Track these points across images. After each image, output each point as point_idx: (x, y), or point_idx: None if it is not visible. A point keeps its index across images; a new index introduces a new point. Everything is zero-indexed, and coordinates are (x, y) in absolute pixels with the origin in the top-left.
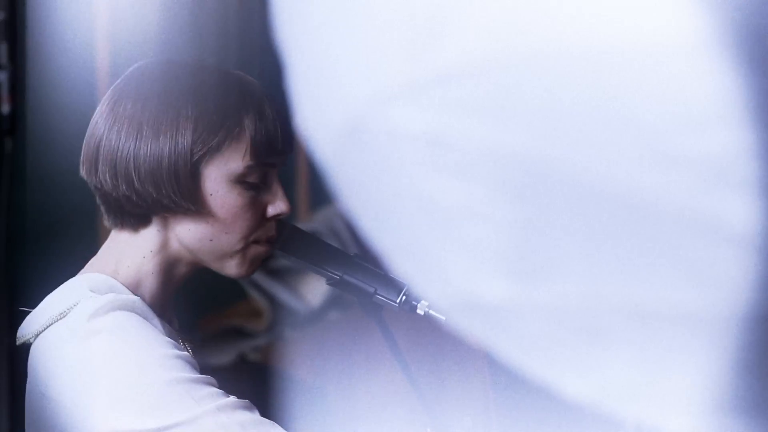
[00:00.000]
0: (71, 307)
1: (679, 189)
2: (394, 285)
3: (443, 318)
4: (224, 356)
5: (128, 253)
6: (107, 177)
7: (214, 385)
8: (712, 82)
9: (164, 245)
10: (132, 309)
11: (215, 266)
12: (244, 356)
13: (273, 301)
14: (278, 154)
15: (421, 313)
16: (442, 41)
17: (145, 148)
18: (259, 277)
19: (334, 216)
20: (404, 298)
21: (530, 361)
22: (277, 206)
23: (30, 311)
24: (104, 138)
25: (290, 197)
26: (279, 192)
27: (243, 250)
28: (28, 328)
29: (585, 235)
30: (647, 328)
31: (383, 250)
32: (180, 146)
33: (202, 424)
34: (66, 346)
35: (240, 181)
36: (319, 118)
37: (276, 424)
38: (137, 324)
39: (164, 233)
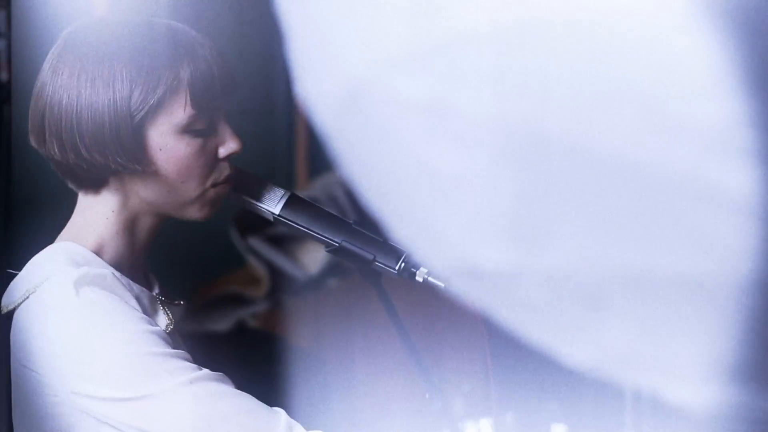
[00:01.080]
0: (46, 281)
1: (678, 157)
2: (393, 252)
3: (442, 285)
4: (222, 323)
5: (92, 215)
6: (55, 148)
7: (187, 360)
8: (710, 52)
9: (124, 203)
10: (103, 284)
11: (177, 214)
12: (243, 323)
13: (271, 268)
14: (220, 97)
15: (420, 280)
16: (443, 11)
17: (87, 115)
18: (258, 244)
19: (333, 184)
20: (403, 265)
21: (529, 327)
22: (227, 146)
23: (17, 273)
24: (47, 108)
25: (289, 165)
26: (227, 132)
27: (202, 195)
28: (9, 297)
29: (584, 202)
30: (647, 295)
31: (383, 217)
32: (120, 110)
33: (175, 395)
34: (41, 319)
35: (186, 131)
36: (320, 86)
37: (252, 397)
38: (108, 300)
39: (123, 192)
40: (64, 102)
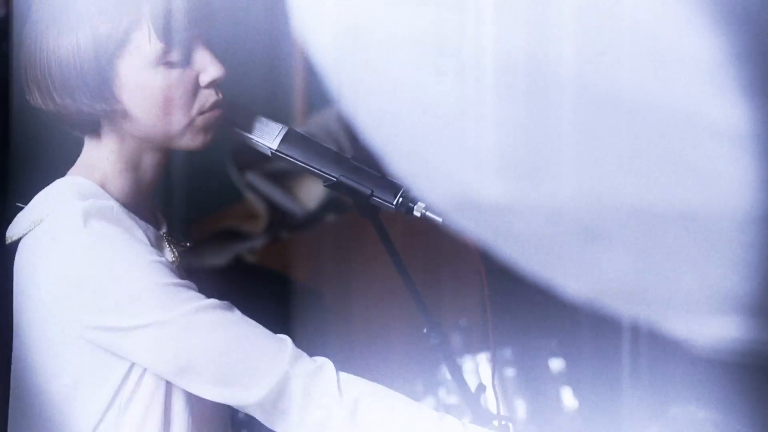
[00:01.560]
0: (53, 212)
1: (677, 93)
2: (390, 187)
3: (440, 219)
4: (220, 258)
5: (95, 156)
6: (38, 99)
7: (193, 289)
8: None
9: (121, 142)
10: (110, 216)
11: (174, 146)
12: (241, 258)
13: (269, 203)
14: (192, 27)
15: (418, 214)
16: None
17: (54, 61)
18: (256, 180)
19: (331, 119)
20: (401, 199)
21: (528, 260)
22: (208, 73)
23: (23, 206)
24: (27, 60)
25: (287, 100)
26: (207, 59)
27: (190, 125)
28: (15, 228)
29: (583, 137)
30: (645, 228)
31: (382, 152)
32: (84, 52)
33: (182, 323)
34: (47, 249)
35: (159, 63)
36: (318, 20)
37: (258, 325)
38: (115, 231)
39: (117, 132)
40: (37, 52)
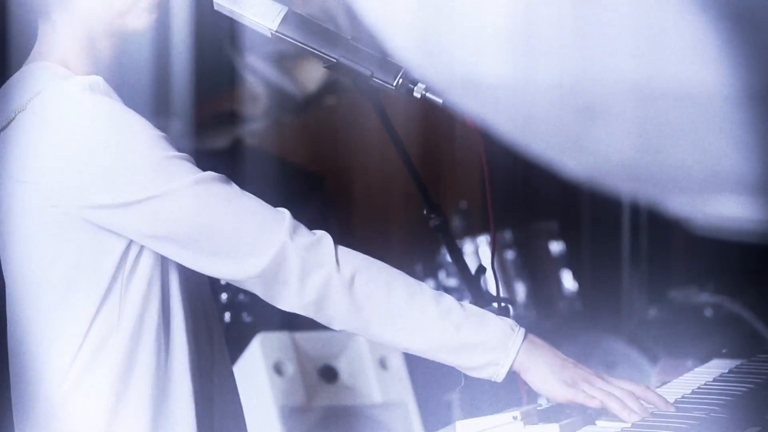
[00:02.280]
0: (36, 95)
1: None
2: (390, 68)
3: (440, 101)
4: (220, 140)
5: (53, 40)
6: None
7: (190, 162)
8: None
9: (70, 23)
10: (107, 90)
11: (121, 29)
12: (240, 140)
13: (269, 85)
14: None
15: (418, 95)
16: None
17: None
18: (255, 62)
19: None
20: (401, 80)
21: (529, 138)
22: None
23: None
24: None
25: None
26: None
27: (135, 4)
28: None
29: (584, 13)
30: (646, 106)
31: (381, 33)
32: None
33: (178, 196)
34: (48, 124)
35: None
36: None
37: (257, 198)
38: (113, 105)
39: (62, 14)
40: None
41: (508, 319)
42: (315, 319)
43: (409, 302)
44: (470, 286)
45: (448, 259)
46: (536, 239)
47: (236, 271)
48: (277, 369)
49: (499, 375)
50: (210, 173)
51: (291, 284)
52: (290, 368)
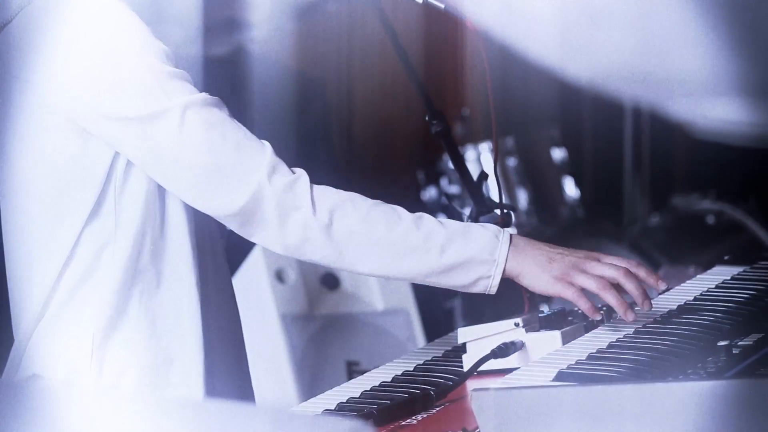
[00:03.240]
0: None
1: None
2: None
3: (442, 6)
4: (222, 47)
5: None
6: None
7: (187, 81)
8: None
9: None
10: None
11: None
12: (242, 47)
13: None
14: None
15: (420, 1)
16: None
17: None
18: None
19: None
20: None
21: (531, 42)
22: None
23: None
24: None
25: None
26: None
27: None
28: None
29: None
30: (647, 8)
31: None
32: None
33: (165, 119)
34: (45, 25)
35: None
36: None
37: (243, 128)
38: (116, 8)
39: None
40: None
41: (490, 226)
42: (298, 258)
43: (390, 232)
44: (472, 193)
45: (450, 165)
46: (538, 146)
47: (210, 207)
48: (279, 277)
49: (491, 287)
50: (202, 96)
51: (269, 227)
52: (292, 276)
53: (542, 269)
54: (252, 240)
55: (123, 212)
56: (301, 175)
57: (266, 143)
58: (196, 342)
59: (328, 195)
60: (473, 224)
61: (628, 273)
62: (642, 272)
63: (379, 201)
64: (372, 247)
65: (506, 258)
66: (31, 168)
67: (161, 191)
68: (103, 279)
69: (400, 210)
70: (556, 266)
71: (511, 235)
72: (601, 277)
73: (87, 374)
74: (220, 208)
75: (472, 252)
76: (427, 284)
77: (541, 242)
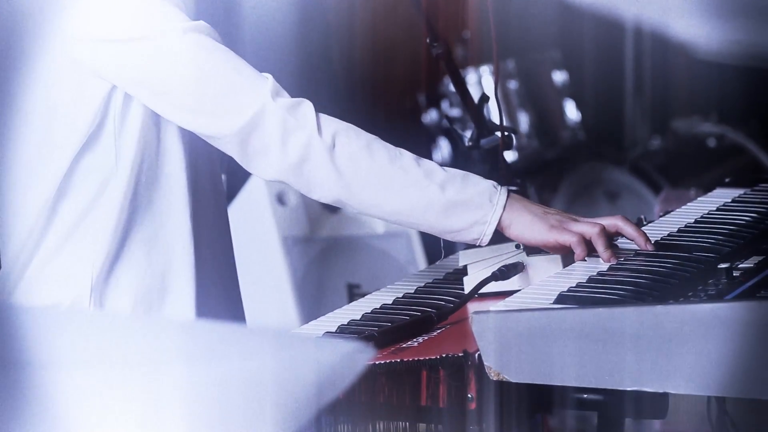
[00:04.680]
0: None
1: None
2: None
3: None
4: None
5: None
6: None
7: (180, 9)
8: None
9: None
10: None
11: None
12: None
13: None
14: None
15: None
16: None
17: None
18: None
19: None
20: None
21: None
22: None
23: None
24: None
25: None
26: None
27: None
28: None
29: None
30: None
31: None
32: None
33: (166, 41)
34: None
35: None
36: None
37: (241, 59)
38: None
39: None
40: None
41: (488, 180)
42: (293, 185)
43: (392, 163)
44: (473, 116)
45: (451, 88)
46: (539, 69)
47: (213, 128)
48: (280, 199)
49: (485, 234)
50: (201, 23)
51: (270, 147)
52: (293, 199)
53: (538, 219)
54: (249, 167)
55: (122, 148)
56: (304, 100)
57: (268, 75)
58: (188, 273)
59: (332, 121)
60: (472, 174)
61: (625, 219)
62: (629, 229)
63: (378, 137)
64: (372, 175)
65: (504, 207)
66: (28, 99)
67: (157, 125)
68: (104, 213)
69: (401, 149)
70: (552, 218)
71: (509, 190)
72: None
73: (87, 307)
74: (221, 128)
75: (471, 194)
76: (421, 226)
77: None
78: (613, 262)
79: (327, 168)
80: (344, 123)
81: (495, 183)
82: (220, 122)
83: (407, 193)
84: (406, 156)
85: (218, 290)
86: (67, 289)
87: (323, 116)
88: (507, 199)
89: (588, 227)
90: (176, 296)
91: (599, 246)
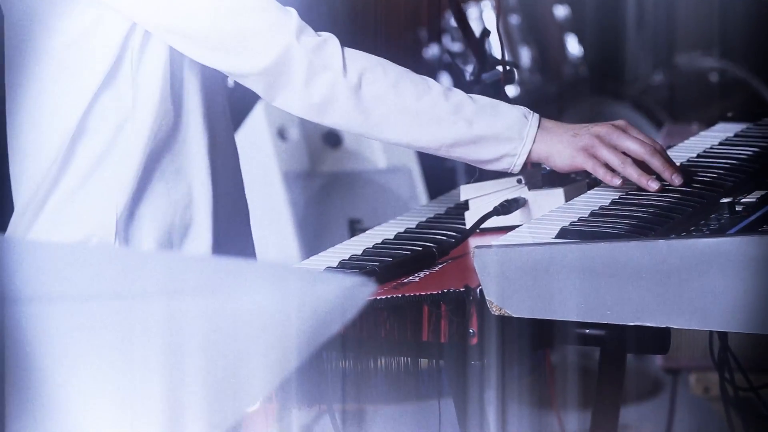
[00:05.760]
0: None
1: None
2: None
3: None
4: None
5: None
6: None
7: None
8: None
9: None
10: None
11: None
12: None
13: None
14: None
15: None
16: None
17: None
18: None
19: None
20: None
21: None
22: None
23: None
24: None
25: None
26: None
27: None
28: None
29: None
30: None
31: None
32: None
33: None
34: None
35: None
36: None
37: None
38: None
39: None
40: None
41: (521, 107)
42: (319, 123)
43: (419, 100)
44: (474, 50)
45: (453, 23)
46: (541, 3)
47: (237, 67)
48: (281, 134)
49: (515, 166)
50: None
51: (295, 85)
52: (294, 133)
53: (567, 145)
54: (274, 102)
55: (141, 87)
56: (330, 36)
57: (292, 8)
58: (207, 207)
59: (359, 58)
60: (502, 102)
61: (654, 150)
62: (663, 158)
63: (409, 70)
64: (399, 114)
65: (534, 139)
66: (45, 36)
67: (178, 63)
68: (125, 151)
69: (430, 81)
70: (580, 139)
71: (540, 117)
72: (625, 153)
73: (112, 244)
74: (244, 68)
75: (500, 128)
76: (450, 156)
77: (568, 125)
78: (655, 187)
79: (352, 108)
80: (372, 58)
81: (526, 111)
82: (244, 61)
83: (434, 131)
84: (435, 90)
85: (232, 225)
86: (92, 227)
87: (350, 53)
88: (538, 131)
89: (614, 157)
90: (197, 230)
91: (631, 176)
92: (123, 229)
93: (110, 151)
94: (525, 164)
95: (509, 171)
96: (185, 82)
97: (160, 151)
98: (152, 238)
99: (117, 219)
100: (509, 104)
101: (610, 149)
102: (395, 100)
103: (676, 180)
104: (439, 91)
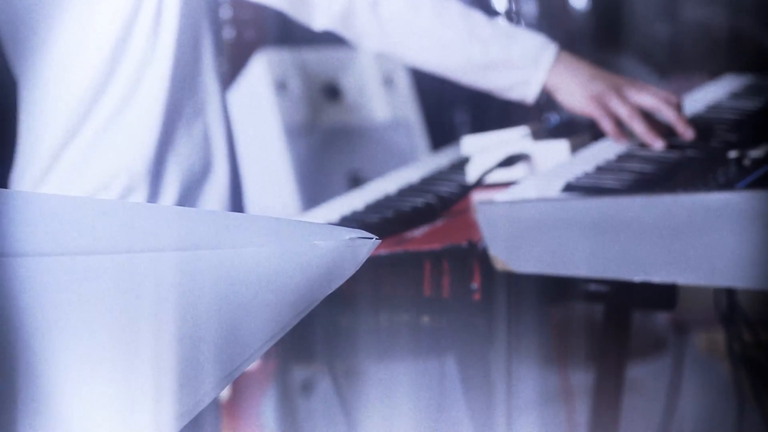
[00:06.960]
0: None
1: None
2: None
3: None
4: None
5: None
6: None
7: None
8: None
9: None
10: None
11: None
12: None
13: None
14: None
15: None
16: None
17: None
18: None
19: None
20: None
21: None
22: None
23: None
24: None
25: None
26: None
27: None
28: None
29: None
30: None
31: None
32: None
33: None
34: None
35: None
36: None
37: None
38: None
39: None
40: None
41: (540, 36)
42: (341, 35)
43: (436, 20)
44: (478, 3)
45: None
46: None
47: None
48: (281, 86)
49: (528, 95)
50: None
51: (315, 2)
52: (294, 86)
53: (580, 86)
54: (299, 16)
55: (160, 34)
56: None
57: None
58: (224, 151)
59: None
60: (523, 29)
61: (669, 102)
62: (677, 111)
63: None
64: (415, 32)
65: (549, 68)
66: None
67: (194, 11)
68: (150, 96)
69: (451, 1)
70: (595, 85)
71: (559, 49)
72: (636, 106)
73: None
74: None
75: (516, 54)
76: (464, 81)
77: (590, 64)
78: (659, 145)
79: (370, 23)
80: None
81: (546, 41)
82: None
83: (449, 51)
84: (453, 9)
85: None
86: (119, 173)
87: None
88: (555, 61)
89: (624, 108)
90: (215, 177)
91: (637, 130)
92: (152, 172)
93: (129, 102)
94: (536, 105)
95: (524, 100)
96: (201, 29)
97: (180, 92)
98: (177, 181)
99: (143, 168)
100: (529, 31)
101: (621, 100)
102: (412, 17)
103: (688, 134)
104: (457, 12)
